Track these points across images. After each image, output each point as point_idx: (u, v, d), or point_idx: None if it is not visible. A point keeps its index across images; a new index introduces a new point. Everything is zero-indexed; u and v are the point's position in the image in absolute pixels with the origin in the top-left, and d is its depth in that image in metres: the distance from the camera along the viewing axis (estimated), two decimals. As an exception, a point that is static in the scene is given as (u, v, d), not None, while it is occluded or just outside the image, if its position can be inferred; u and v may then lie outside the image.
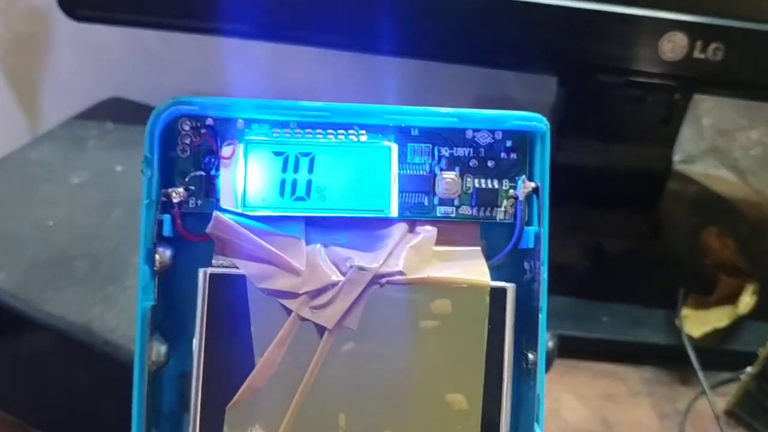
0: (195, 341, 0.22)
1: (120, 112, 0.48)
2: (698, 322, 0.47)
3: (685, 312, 0.49)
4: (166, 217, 0.22)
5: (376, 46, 0.43)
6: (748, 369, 0.44)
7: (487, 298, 0.22)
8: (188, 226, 0.23)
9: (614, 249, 0.54)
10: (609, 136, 0.54)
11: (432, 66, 0.53)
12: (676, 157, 0.59)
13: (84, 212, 0.39)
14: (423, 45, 0.43)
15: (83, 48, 0.61)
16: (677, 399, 0.47)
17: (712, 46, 0.44)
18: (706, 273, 0.52)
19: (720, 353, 0.48)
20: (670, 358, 0.48)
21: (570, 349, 0.47)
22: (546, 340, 0.24)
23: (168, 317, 0.23)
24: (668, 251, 0.55)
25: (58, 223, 0.38)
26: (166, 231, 0.22)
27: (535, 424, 0.23)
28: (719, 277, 0.51)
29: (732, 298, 0.50)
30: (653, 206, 0.57)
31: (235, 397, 0.22)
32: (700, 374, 0.45)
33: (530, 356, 0.23)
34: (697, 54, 0.44)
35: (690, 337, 0.47)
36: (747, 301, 0.48)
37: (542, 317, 0.23)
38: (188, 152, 0.23)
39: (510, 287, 0.22)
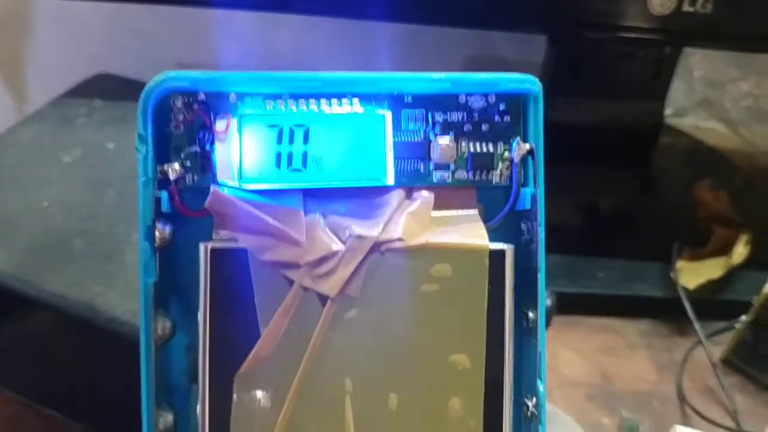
0: (200, 315, 0.22)
1: (108, 88, 0.47)
2: (693, 274, 0.48)
3: (680, 264, 0.49)
4: (164, 194, 0.22)
5: (364, 11, 0.42)
6: (743, 317, 0.45)
7: (487, 261, 0.22)
8: (186, 202, 0.23)
9: (608, 205, 0.55)
10: (600, 93, 0.54)
11: (421, 29, 0.53)
12: (668, 111, 0.59)
13: (78, 191, 0.39)
14: (412, 8, 0.43)
15: (66, 25, 0.60)
16: (674, 350, 0.48)
17: (701, -2, 0.44)
18: (700, 225, 0.52)
19: (715, 303, 0.48)
20: (666, 311, 0.49)
21: (567, 305, 0.48)
22: (545, 299, 0.24)
23: (171, 292, 0.24)
24: (662, 205, 0.56)
25: (53, 203, 0.38)
26: (165, 207, 0.22)
27: (538, 381, 0.23)
28: (713, 229, 0.52)
29: (726, 249, 0.50)
30: (646, 161, 0.57)
31: (243, 367, 0.22)
32: (696, 325, 0.46)
33: (530, 315, 0.24)
34: (687, 7, 0.44)
35: (685, 289, 0.47)
36: (740, 251, 0.49)
37: (541, 276, 0.23)
38: (182, 128, 0.23)
39: (509, 248, 0.23)
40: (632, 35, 0.45)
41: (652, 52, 0.51)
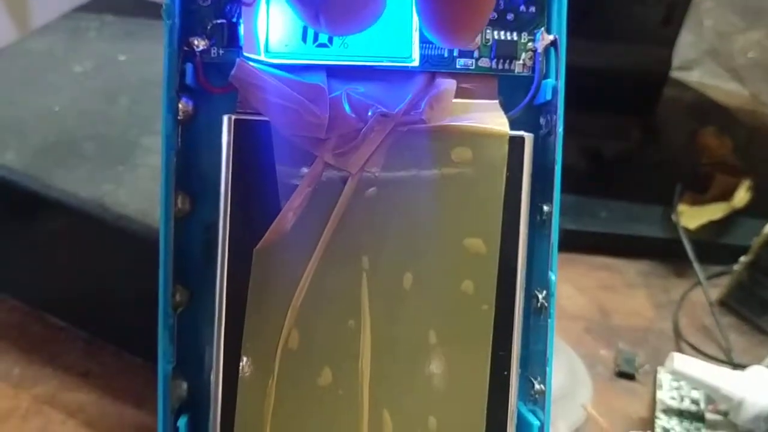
0: (221, 187, 0.22)
1: (117, 5, 0.47)
2: (694, 216, 0.49)
3: (681, 208, 0.50)
4: (189, 66, 0.22)
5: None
6: (742, 259, 0.45)
7: (506, 147, 0.23)
8: (210, 78, 0.23)
9: (613, 150, 0.55)
10: (610, 38, 0.54)
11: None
12: (674, 64, 0.59)
13: (89, 98, 0.39)
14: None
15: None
16: (672, 290, 0.48)
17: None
18: (702, 172, 0.53)
19: (714, 246, 0.49)
20: (665, 252, 0.49)
21: (569, 243, 0.48)
22: (560, 194, 0.24)
23: (191, 170, 0.24)
24: (665, 152, 0.56)
25: (64, 108, 0.38)
26: (189, 80, 0.23)
27: (550, 272, 0.24)
28: (715, 176, 0.52)
29: (727, 196, 0.51)
30: (651, 109, 0.58)
31: (262, 240, 0.22)
32: (696, 265, 0.47)
33: (545, 208, 0.24)
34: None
35: (686, 230, 0.48)
36: (742, 195, 0.49)
37: (557, 169, 0.23)
38: (209, 1, 0.23)
39: (528, 136, 0.23)
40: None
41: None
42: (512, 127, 0.23)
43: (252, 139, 0.22)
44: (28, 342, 0.40)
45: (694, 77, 0.64)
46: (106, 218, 0.32)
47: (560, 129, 0.23)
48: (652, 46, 0.55)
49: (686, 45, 0.60)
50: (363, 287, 0.22)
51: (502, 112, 0.23)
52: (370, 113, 0.22)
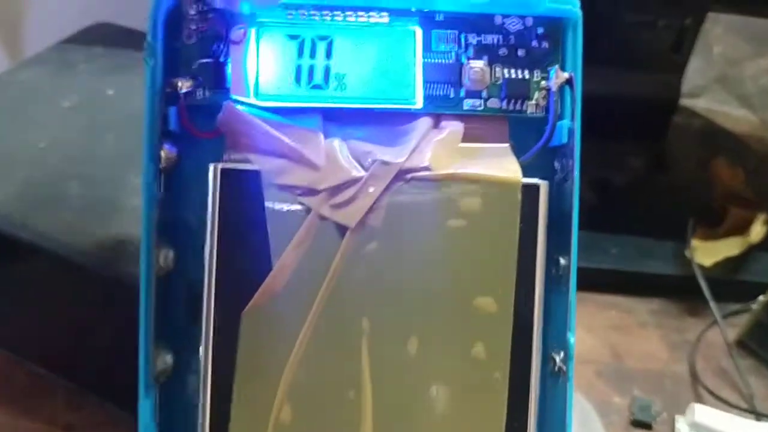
0: (206, 242, 0.20)
1: (108, 36, 0.45)
2: (709, 252, 0.46)
3: (695, 243, 0.48)
4: (172, 110, 0.21)
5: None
6: (760, 298, 0.43)
7: (519, 196, 0.21)
8: (195, 122, 0.21)
9: (621, 182, 0.53)
10: (618, 65, 0.53)
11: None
12: (685, 90, 0.58)
13: (75, 135, 0.37)
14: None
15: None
16: (686, 330, 0.46)
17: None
18: (715, 205, 0.51)
19: (730, 284, 0.47)
20: (679, 290, 0.47)
21: (577, 281, 0.46)
22: (576, 246, 0.22)
23: (175, 222, 0.22)
24: (676, 184, 0.54)
25: (50, 145, 0.36)
26: (172, 125, 0.21)
27: (568, 333, 0.22)
28: (728, 209, 0.50)
29: (742, 230, 0.49)
30: (661, 137, 0.56)
31: (251, 302, 0.20)
32: (711, 303, 0.45)
33: (561, 261, 0.22)
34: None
35: (701, 267, 0.46)
36: (758, 230, 0.47)
37: (575, 217, 0.22)
38: (194, 38, 0.21)
39: (543, 184, 0.21)
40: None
41: (672, 22, 0.49)
42: (525, 173, 0.21)
43: (240, 190, 0.20)
44: (10, 392, 0.38)
45: (703, 104, 0.62)
46: (88, 264, 0.31)
47: (577, 173, 0.21)
48: (661, 73, 0.53)
49: (695, 71, 0.58)
50: (363, 353, 0.20)
51: (513, 158, 0.21)
52: (369, 161, 0.20)
